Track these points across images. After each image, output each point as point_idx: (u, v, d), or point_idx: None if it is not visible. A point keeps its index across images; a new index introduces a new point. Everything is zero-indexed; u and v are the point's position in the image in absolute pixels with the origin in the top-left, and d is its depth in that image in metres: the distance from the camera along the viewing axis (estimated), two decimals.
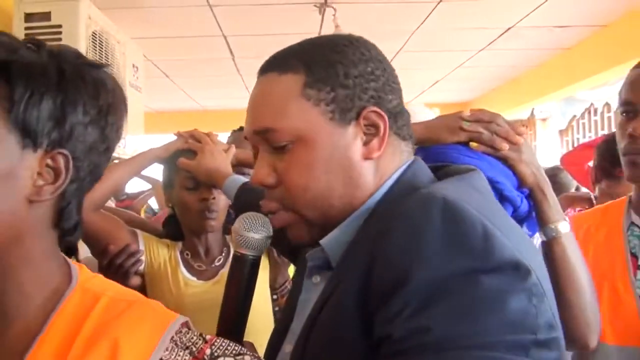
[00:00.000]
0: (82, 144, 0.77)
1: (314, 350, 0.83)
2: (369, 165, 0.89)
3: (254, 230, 1.04)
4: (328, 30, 4.06)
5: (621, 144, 1.29)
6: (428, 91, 6.97)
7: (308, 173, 0.88)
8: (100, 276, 0.85)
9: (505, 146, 1.19)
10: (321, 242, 0.90)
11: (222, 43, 4.62)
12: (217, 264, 1.83)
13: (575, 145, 6.82)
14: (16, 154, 0.73)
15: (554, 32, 4.56)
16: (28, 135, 0.73)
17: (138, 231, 1.81)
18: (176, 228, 1.85)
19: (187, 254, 1.82)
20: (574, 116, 7.17)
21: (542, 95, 5.96)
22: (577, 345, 1.21)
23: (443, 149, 1.24)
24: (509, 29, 4.45)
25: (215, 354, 0.76)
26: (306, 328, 0.86)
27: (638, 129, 1.24)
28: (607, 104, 6.29)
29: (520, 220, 1.25)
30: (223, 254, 1.85)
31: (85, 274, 0.83)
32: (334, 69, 0.88)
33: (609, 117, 6.28)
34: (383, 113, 0.89)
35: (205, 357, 0.76)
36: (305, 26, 4.22)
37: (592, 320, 1.19)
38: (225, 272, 1.76)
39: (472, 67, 5.75)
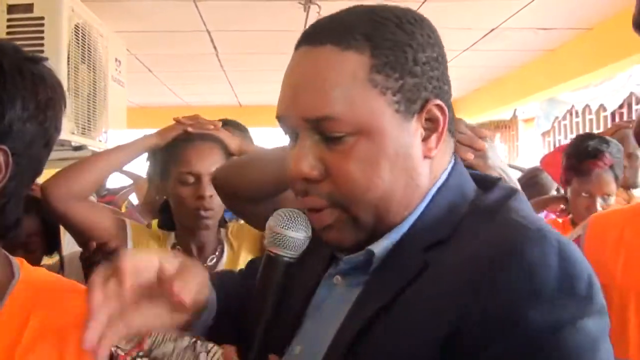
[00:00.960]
0: (21, 140, 0.76)
1: None
2: (426, 165, 0.81)
3: (294, 228, 0.87)
4: None
5: None
6: None
7: (371, 171, 0.77)
8: (43, 269, 0.86)
9: (470, 156, 1.15)
10: (374, 250, 0.81)
11: (205, 38, 4.59)
12: (210, 263, 1.75)
13: (556, 145, 6.88)
14: None
15: (538, 34, 4.59)
16: None
17: (128, 221, 1.75)
18: (170, 217, 1.77)
19: (179, 249, 1.73)
20: (556, 117, 7.22)
21: (525, 97, 5.99)
22: None
23: None
24: (492, 29, 4.47)
25: (156, 341, 0.81)
26: (348, 340, 0.77)
27: None
28: (588, 106, 6.34)
29: None
30: (217, 253, 1.77)
31: (26, 267, 0.83)
32: (403, 52, 0.77)
33: (591, 119, 6.33)
34: (444, 106, 0.80)
35: (145, 346, 0.81)
36: (290, 23, 4.20)
37: None
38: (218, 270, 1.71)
39: (455, 67, 5.76)
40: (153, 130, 1.78)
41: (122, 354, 0.78)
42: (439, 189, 0.82)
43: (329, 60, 0.76)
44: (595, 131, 5.94)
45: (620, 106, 5.65)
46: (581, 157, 2.50)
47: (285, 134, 0.84)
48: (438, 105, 0.80)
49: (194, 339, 0.77)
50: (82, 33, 3.11)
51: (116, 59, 3.70)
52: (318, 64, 0.77)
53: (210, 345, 0.77)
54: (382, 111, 0.76)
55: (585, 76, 4.78)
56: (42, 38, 2.87)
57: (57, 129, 0.81)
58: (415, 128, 0.79)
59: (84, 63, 3.14)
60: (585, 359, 0.67)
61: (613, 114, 5.83)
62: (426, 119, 0.80)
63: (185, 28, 4.31)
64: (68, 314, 0.76)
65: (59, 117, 0.81)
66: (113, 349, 0.77)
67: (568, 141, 6.37)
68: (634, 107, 5.28)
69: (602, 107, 6.02)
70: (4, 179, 0.75)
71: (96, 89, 3.28)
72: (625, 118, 5.79)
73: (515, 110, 7.54)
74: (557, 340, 0.66)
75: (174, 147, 1.70)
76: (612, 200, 2.48)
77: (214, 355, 0.80)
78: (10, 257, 0.83)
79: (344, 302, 0.82)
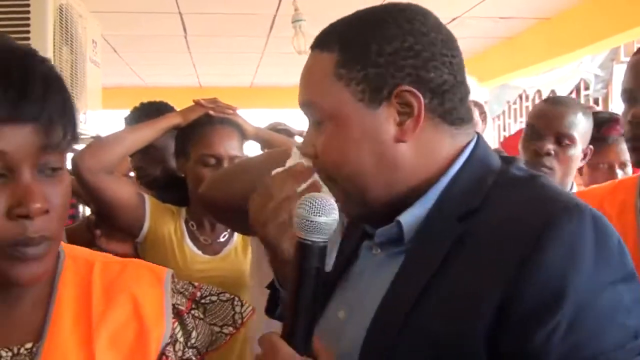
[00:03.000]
0: None
1: (420, 332, 0.79)
2: (406, 148, 0.86)
3: (333, 213, 0.82)
4: (285, 11, 4.12)
5: (625, 132, 1.33)
6: None
7: (340, 152, 0.88)
8: (73, 245, 0.91)
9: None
10: (401, 220, 0.86)
11: (176, 20, 4.62)
12: (222, 239, 1.84)
13: (506, 129, 7.17)
14: None
15: (499, 23, 4.79)
16: None
17: (146, 196, 1.82)
18: (185, 194, 1.83)
19: (193, 225, 1.82)
20: (507, 102, 7.50)
21: (481, 82, 6.22)
22: None
23: None
24: (455, 18, 4.64)
25: (204, 294, 0.94)
26: (399, 305, 0.82)
27: (637, 114, 1.26)
28: (539, 91, 6.62)
29: None
30: (229, 230, 1.84)
31: (64, 244, 0.87)
32: (367, 47, 0.85)
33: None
34: (417, 92, 0.84)
35: (197, 298, 0.93)
36: (262, 7, 4.27)
37: None
38: (230, 248, 1.81)
39: None
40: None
41: (183, 308, 0.88)
42: (464, 163, 0.88)
43: (313, 60, 0.92)
44: None
45: (570, 92, 5.93)
46: (598, 125, 2.36)
47: None
48: (409, 91, 0.84)
49: (232, 296, 0.95)
50: (65, 14, 3.12)
51: (93, 40, 3.72)
52: (307, 64, 0.93)
53: (245, 301, 0.97)
54: (346, 100, 0.86)
55: (541, 64, 5.01)
56: (28, 19, 2.87)
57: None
58: (386, 113, 0.85)
59: (67, 44, 3.16)
60: (619, 319, 0.74)
61: None
62: (401, 104, 0.85)
63: (158, 10, 4.33)
64: (127, 280, 0.85)
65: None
66: (176, 305, 0.87)
67: (519, 125, 6.66)
68: (583, 92, 5.55)
69: (552, 93, 6.30)
70: None
71: (77, 70, 3.30)
72: None
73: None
74: (598, 309, 0.73)
75: (196, 129, 1.78)
76: (630, 170, 2.37)
77: (246, 308, 0.97)
78: None
79: (386, 271, 0.87)
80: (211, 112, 1.81)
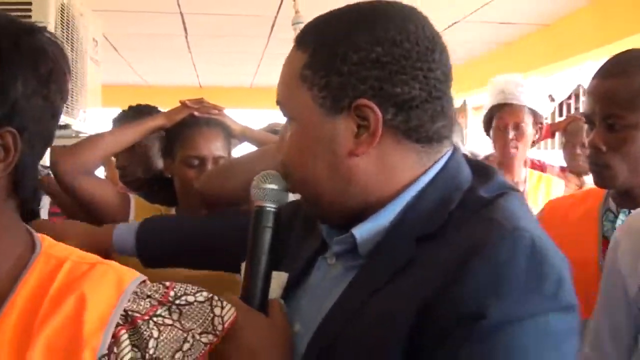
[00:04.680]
0: (27, 117, 0.74)
1: (348, 344, 0.80)
2: (362, 162, 0.83)
3: (274, 182, 0.93)
4: (286, 13, 4.13)
5: (587, 155, 1.37)
6: None
7: (297, 155, 0.86)
8: (63, 244, 0.85)
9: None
10: (355, 232, 0.85)
11: (177, 20, 4.64)
12: None
13: None
14: None
15: (499, 28, 4.81)
16: None
17: (131, 196, 1.82)
18: (173, 194, 1.83)
19: None
20: None
21: (479, 87, 6.24)
22: None
23: None
24: (455, 23, 4.67)
25: (179, 294, 0.80)
26: (338, 318, 0.82)
27: (593, 140, 1.31)
28: None
29: None
30: None
31: (48, 241, 0.83)
32: (334, 53, 0.81)
33: None
34: (376, 107, 0.79)
35: (170, 298, 0.79)
36: (263, 8, 4.29)
37: None
38: None
39: None
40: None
41: (139, 315, 0.77)
42: (430, 182, 0.84)
43: (289, 57, 0.88)
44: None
45: (569, 97, 5.95)
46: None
47: None
48: (367, 105, 0.80)
49: (210, 295, 0.82)
50: (66, 13, 3.14)
51: (93, 39, 3.73)
52: (285, 61, 0.88)
53: (225, 302, 0.82)
54: (307, 103, 0.82)
55: (538, 69, 5.03)
56: (30, 17, 2.89)
57: (63, 98, 0.80)
58: (345, 124, 0.81)
59: (68, 43, 3.17)
60: (544, 353, 0.71)
61: (561, 105, 6.14)
62: (360, 117, 0.80)
63: (159, 9, 4.35)
64: (86, 281, 0.78)
65: (64, 86, 0.79)
66: (130, 312, 0.77)
67: None
68: (582, 98, 5.58)
69: (550, 98, 6.33)
70: (15, 159, 0.74)
71: (77, 68, 3.31)
72: (572, 108, 6.12)
73: (464, 100, 7.82)
74: (513, 333, 0.70)
75: (181, 129, 1.78)
76: None
77: (228, 310, 0.81)
78: (32, 231, 0.84)
79: (339, 284, 0.85)
80: (195, 113, 1.80)
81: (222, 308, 0.81)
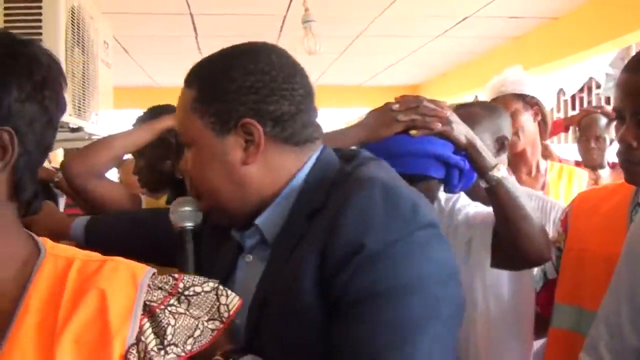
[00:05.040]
0: (22, 119, 0.78)
1: (269, 322, 0.99)
2: (254, 168, 1.04)
3: (187, 205, 1.15)
4: (296, 11, 4.14)
5: (617, 151, 1.34)
6: (382, 74, 7.15)
7: (199, 171, 1.07)
8: (63, 245, 0.88)
9: (438, 125, 1.36)
10: (257, 222, 1.06)
11: (187, 21, 4.65)
12: None
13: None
14: None
15: (508, 22, 4.79)
16: None
17: (142, 197, 1.86)
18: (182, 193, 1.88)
19: None
20: None
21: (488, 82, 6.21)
22: (534, 261, 1.45)
23: (389, 142, 1.38)
24: (465, 18, 4.65)
25: (187, 285, 0.85)
26: (257, 303, 1.01)
27: (624, 136, 1.27)
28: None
29: (466, 175, 1.46)
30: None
31: (49, 243, 0.85)
32: (215, 86, 1.02)
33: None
34: (257, 123, 1.01)
35: (179, 289, 0.85)
36: (273, 7, 4.30)
37: (543, 239, 1.40)
38: None
39: (427, 52, 5.94)
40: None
41: (156, 304, 0.82)
42: (309, 171, 1.06)
43: (181, 95, 1.08)
44: (555, 115, 6.22)
45: (580, 90, 5.92)
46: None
47: None
48: (250, 123, 1.01)
49: (216, 285, 0.87)
50: (77, 15, 3.16)
51: (104, 41, 3.75)
52: (179, 99, 1.09)
53: (229, 291, 0.88)
54: (200, 130, 1.04)
55: (548, 64, 4.99)
56: (40, 21, 2.90)
57: (60, 107, 0.84)
58: (234, 140, 1.03)
59: (79, 46, 3.19)
60: (418, 260, 0.93)
61: (573, 98, 6.10)
62: (246, 133, 1.02)
63: (169, 11, 4.37)
64: (101, 277, 0.80)
65: (60, 95, 0.84)
66: (148, 302, 0.82)
67: None
68: (594, 91, 5.55)
69: (562, 92, 6.30)
70: (12, 158, 0.78)
71: (89, 71, 3.33)
72: (585, 101, 6.08)
73: (476, 96, 7.78)
74: (392, 254, 0.92)
75: None
76: None
77: (232, 298, 0.87)
78: (32, 234, 0.86)
79: (257, 273, 1.05)
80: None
81: (227, 297, 0.87)
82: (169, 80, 7.33)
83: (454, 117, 1.39)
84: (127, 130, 1.91)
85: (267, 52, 1.05)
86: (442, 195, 1.64)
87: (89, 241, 1.50)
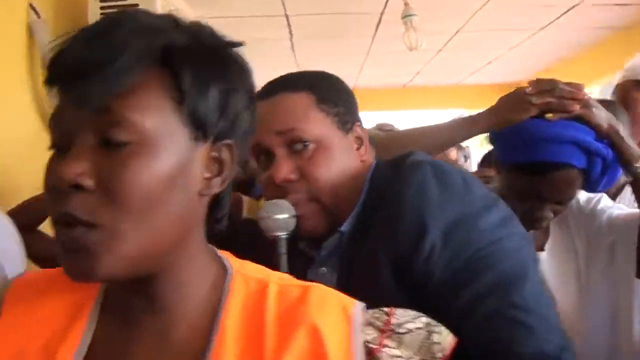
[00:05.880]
0: (239, 132, 0.73)
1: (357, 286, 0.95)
2: (362, 166, 1.14)
3: (283, 212, 1.10)
4: (394, 7, 4.03)
5: None
6: (479, 71, 6.91)
7: (323, 168, 1.09)
8: (249, 262, 0.81)
9: (576, 107, 1.24)
10: (342, 229, 1.09)
11: (282, 22, 4.64)
12: None
13: None
14: (189, 148, 0.68)
15: (613, 10, 4.48)
16: (199, 128, 0.69)
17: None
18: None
19: None
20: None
21: (599, 77, 5.85)
22: None
23: (523, 128, 1.28)
24: (574, 6, 4.37)
25: (401, 322, 0.77)
26: (343, 280, 1.05)
27: None
28: None
29: (609, 167, 1.32)
30: None
31: (233, 260, 0.79)
32: (332, 91, 1.15)
33: None
34: (363, 127, 1.18)
35: (393, 326, 0.76)
36: (369, 4, 4.20)
37: None
38: None
39: (527, 47, 5.68)
40: None
41: (375, 346, 0.75)
42: (371, 177, 1.12)
43: (293, 101, 1.12)
44: None
45: None
46: None
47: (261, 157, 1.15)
48: (359, 126, 1.19)
49: (427, 320, 0.78)
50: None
51: None
52: (284, 102, 1.12)
53: (442, 327, 0.78)
54: (328, 127, 1.13)
55: None
56: None
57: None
58: (353, 139, 1.17)
59: None
60: (484, 225, 0.98)
61: None
62: (355, 137, 1.17)
63: (264, 13, 4.37)
64: (310, 310, 0.72)
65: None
66: (367, 343, 0.74)
67: None
68: None
69: None
70: (230, 173, 0.73)
71: None
72: None
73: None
74: (459, 230, 0.96)
75: None
76: None
77: (446, 335, 0.78)
78: (216, 250, 0.80)
79: (333, 281, 1.07)
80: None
81: (440, 334, 0.78)
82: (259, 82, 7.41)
83: (593, 101, 1.27)
84: None
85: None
86: (582, 195, 1.49)
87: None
